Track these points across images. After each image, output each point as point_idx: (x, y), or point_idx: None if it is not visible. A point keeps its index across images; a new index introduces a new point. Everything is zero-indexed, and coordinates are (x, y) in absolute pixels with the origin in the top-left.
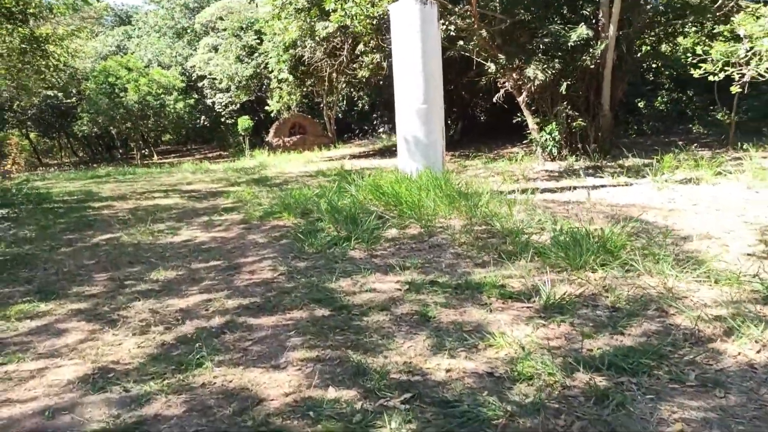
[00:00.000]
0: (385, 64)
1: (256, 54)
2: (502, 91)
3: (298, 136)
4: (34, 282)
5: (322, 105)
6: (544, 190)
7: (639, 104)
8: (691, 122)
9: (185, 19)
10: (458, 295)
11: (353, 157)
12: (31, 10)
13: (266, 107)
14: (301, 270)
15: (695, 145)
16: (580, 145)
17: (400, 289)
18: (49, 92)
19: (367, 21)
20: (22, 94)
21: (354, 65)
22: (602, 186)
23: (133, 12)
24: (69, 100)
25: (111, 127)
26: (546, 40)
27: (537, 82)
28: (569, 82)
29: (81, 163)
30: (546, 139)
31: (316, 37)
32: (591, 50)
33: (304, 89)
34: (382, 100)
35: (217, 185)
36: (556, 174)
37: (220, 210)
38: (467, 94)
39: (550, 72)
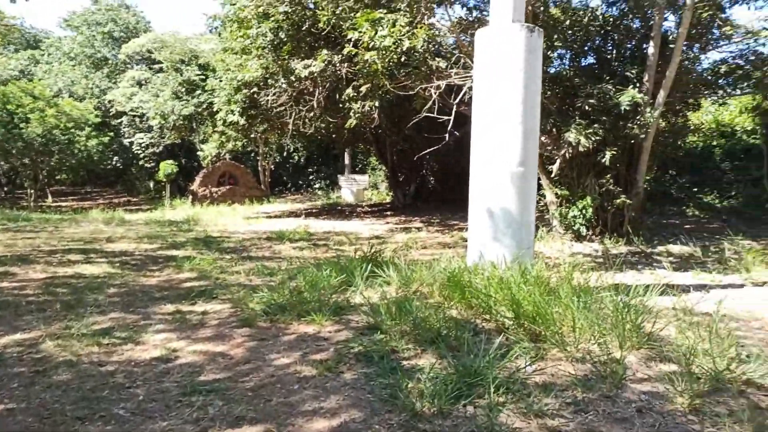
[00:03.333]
0: (375, 115)
1: (198, 92)
2: None
3: (227, 187)
4: None
5: (257, 155)
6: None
7: None
8: (683, 203)
9: (107, 48)
10: None
11: (299, 215)
12: None
13: (198, 152)
14: None
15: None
16: (609, 225)
17: None
18: None
19: (394, 57)
20: None
21: (325, 113)
22: (703, 286)
23: (44, 36)
24: None
25: (2, 162)
26: (591, 101)
27: (580, 149)
28: (614, 152)
29: None
30: (575, 216)
31: (292, 77)
32: (640, 117)
33: (253, 135)
34: (318, 154)
35: (151, 245)
36: (601, 260)
37: (188, 295)
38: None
39: (593, 138)
